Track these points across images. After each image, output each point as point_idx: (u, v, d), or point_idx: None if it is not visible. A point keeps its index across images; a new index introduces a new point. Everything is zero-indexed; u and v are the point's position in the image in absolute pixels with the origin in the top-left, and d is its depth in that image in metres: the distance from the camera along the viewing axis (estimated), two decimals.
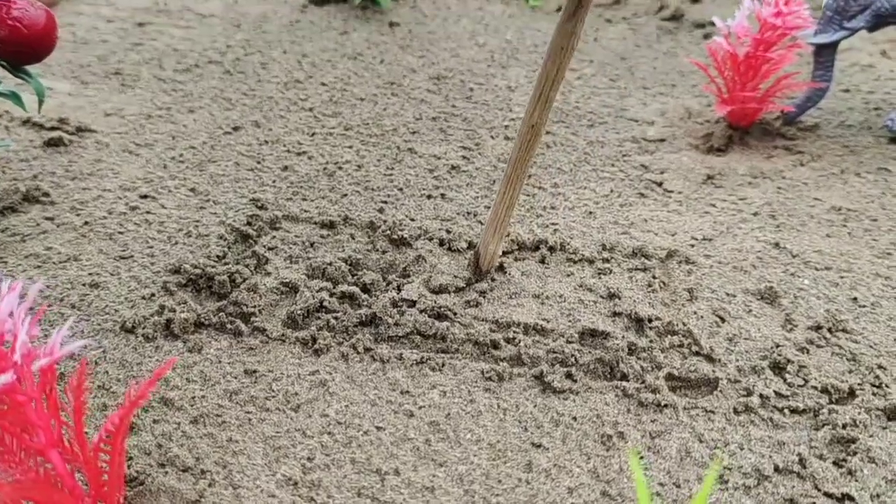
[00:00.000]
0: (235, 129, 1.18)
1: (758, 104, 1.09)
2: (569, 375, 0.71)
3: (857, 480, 0.60)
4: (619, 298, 0.81)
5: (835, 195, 1.00)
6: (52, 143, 1.10)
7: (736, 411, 0.67)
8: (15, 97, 0.86)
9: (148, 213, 0.96)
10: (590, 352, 0.74)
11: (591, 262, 0.88)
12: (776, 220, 0.95)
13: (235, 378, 0.71)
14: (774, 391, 0.69)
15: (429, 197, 1.01)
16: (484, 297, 0.81)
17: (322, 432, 0.65)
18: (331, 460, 0.63)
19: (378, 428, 0.66)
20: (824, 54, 1.10)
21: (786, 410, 0.67)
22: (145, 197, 1.00)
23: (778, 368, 0.72)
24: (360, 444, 0.64)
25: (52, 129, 1.14)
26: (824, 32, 1.09)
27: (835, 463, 0.62)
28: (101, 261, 0.87)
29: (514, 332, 0.77)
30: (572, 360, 0.72)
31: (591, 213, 0.98)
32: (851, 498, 0.59)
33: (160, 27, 1.57)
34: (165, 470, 0.61)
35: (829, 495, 0.60)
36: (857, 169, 1.06)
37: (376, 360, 0.73)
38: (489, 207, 0.98)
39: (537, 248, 0.90)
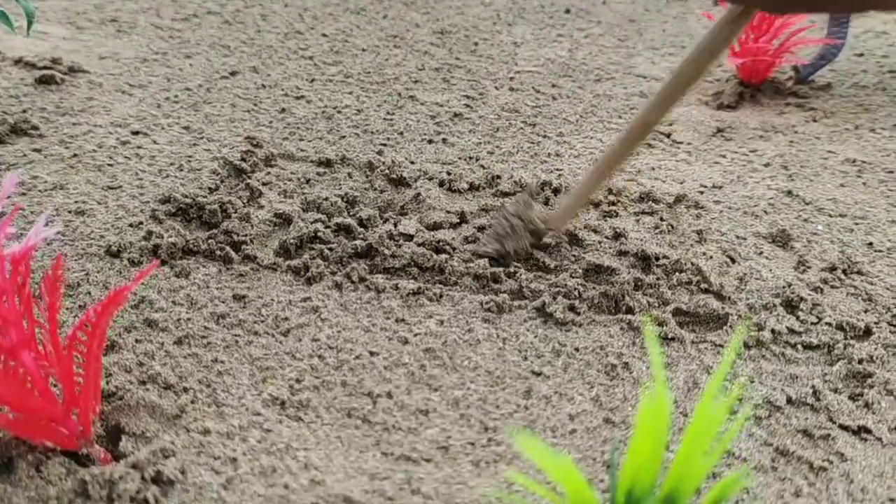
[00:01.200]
0: (233, 73, 1.14)
1: (770, 58, 1.06)
2: (572, 308, 0.68)
3: (873, 413, 0.57)
4: (626, 238, 0.78)
5: (849, 148, 0.97)
6: (44, 81, 1.07)
7: (747, 346, 0.64)
8: (3, 16, 0.83)
9: (139, 147, 0.93)
10: (594, 287, 0.71)
11: (596, 205, 0.84)
12: (788, 171, 0.92)
13: (223, 302, 0.68)
14: (787, 327, 0.66)
15: (430, 141, 0.97)
16: (482, 233, 0.78)
17: (312, 356, 0.62)
18: (320, 382, 0.60)
19: (371, 353, 0.63)
20: None
21: (798, 346, 0.64)
22: (137, 133, 0.96)
23: (791, 306, 0.69)
24: (352, 368, 0.61)
25: (45, 68, 1.10)
26: None
27: (850, 397, 0.59)
28: (88, 190, 0.83)
29: (516, 266, 0.73)
30: (575, 293, 0.69)
31: (596, 160, 0.95)
32: (868, 430, 0.56)
33: None
34: (146, 387, 0.58)
35: (844, 427, 0.56)
36: (872, 125, 1.03)
37: (371, 290, 0.70)
38: (492, 153, 0.95)
39: (541, 191, 0.86)
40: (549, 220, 0.74)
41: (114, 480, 0.49)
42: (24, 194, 0.82)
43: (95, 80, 1.09)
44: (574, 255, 0.75)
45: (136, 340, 0.63)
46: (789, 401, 0.59)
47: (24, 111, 0.99)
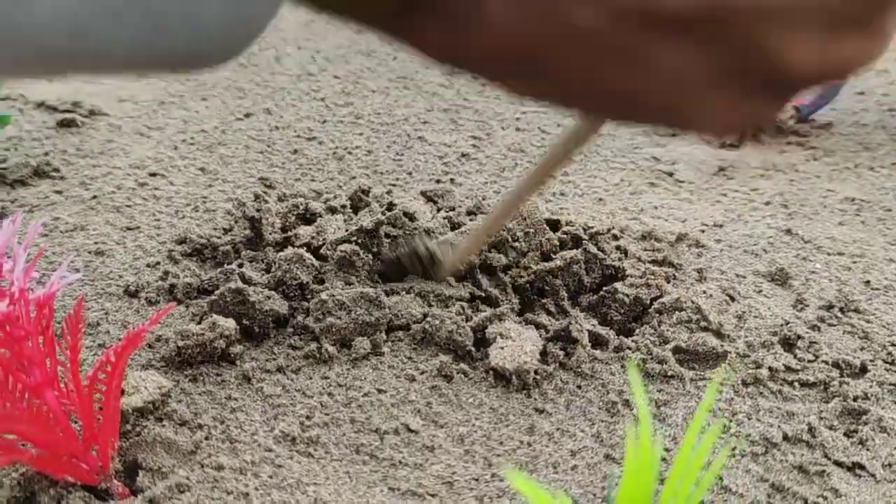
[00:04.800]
0: (247, 115, 1.18)
1: None
2: (574, 344, 0.70)
3: (868, 450, 0.59)
4: (624, 281, 0.80)
5: (848, 187, 0.99)
6: (65, 124, 1.11)
7: (745, 383, 0.66)
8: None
9: (156, 189, 0.96)
10: (594, 325, 0.73)
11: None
12: (788, 209, 0.94)
13: (237, 342, 0.70)
14: (784, 365, 0.67)
15: (438, 181, 1.00)
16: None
17: (322, 393, 0.64)
18: (330, 419, 0.62)
19: (379, 391, 0.65)
20: None
21: (795, 384, 0.66)
22: (154, 175, 1.00)
23: (788, 344, 0.70)
24: (360, 405, 0.63)
25: (66, 111, 1.14)
26: None
27: (845, 433, 0.61)
28: (107, 231, 0.86)
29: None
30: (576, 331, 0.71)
31: (600, 199, 0.97)
32: (862, 466, 0.57)
33: None
34: (163, 423, 0.61)
35: (839, 464, 0.58)
36: (871, 164, 1.05)
37: None
38: (498, 192, 0.98)
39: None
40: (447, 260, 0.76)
41: None
42: (45, 235, 0.85)
43: (115, 122, 1.13)
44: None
45: (153, 379, 0.65)
46: (785, 438, 0.60)
47: (46, 154, 1.02)
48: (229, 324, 0.68)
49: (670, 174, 1.03)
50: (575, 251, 0.79)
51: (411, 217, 0.83)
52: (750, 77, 0.47)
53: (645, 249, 0.85)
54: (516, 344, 0.68)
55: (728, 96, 0.49)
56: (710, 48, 0.44)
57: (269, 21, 0.35)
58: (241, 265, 0.78)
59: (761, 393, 0.65)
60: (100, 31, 0.31)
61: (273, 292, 0.72)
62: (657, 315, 0.74)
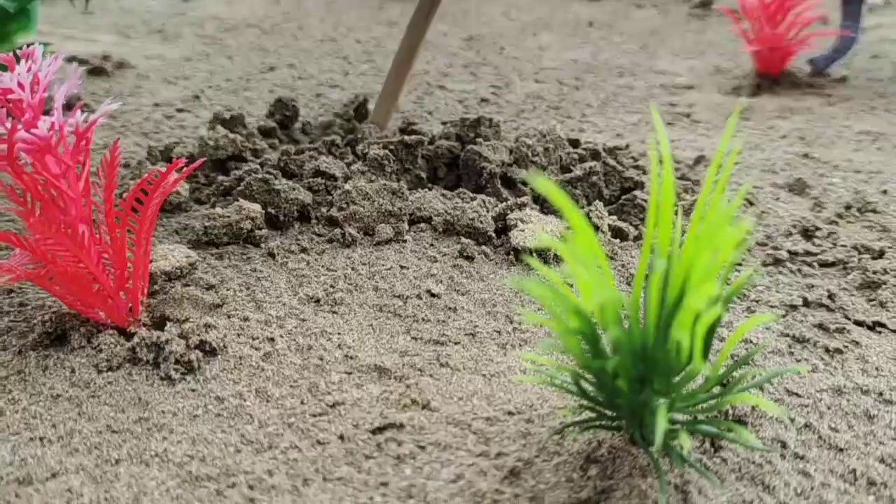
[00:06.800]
0: (271, 69, 1.21)
1: (786, 48, 1.10)
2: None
3: (887, 311, 0.59)
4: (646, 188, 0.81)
5: (865, 123, 1.00)
6: (95, 72, 1.14)
7: (764, 264, 0.66)
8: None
9: (183, 120, 0.99)
10: (614, 219, 0.74)
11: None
12: (805, 140, 0.95)
13: (260, 228, 0.71)
14: (804, 249, 0.68)
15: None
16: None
17: (346, 268, 0.66)
18: (353, 286, 0.63)
19: (402, 267, 0.66)
20: (852, 3, 1.12)
21: (815, 263, 0.66)
22: (181, 111, 1.02)
23: (807, 235, 0.71)
24: (384, 276, 0.64)
25: (96, 64, 1.18)
26: None
27: (866, 298, 0.61)
28: (135, 150, 0.89)
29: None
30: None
31: (619, 135, 0.99)
32: (883, 325, 0.58)
33: (203, 3, 1.64)
34: (189, 287, 0.62)
35: (859, 323, 0.58)
36: (887, 107, 1.06)
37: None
38: (517, 129, 1.00)
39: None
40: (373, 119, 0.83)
41: (160, 344, 0.53)
42: None
43: (143, 73, 1.16)
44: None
45: (181, 250, 0.67)
46: (805, 302, 0.60)
47: (76, 95, 1.05)
48: (255, 207, 0.70)
49: (687, 115, 1.05)
50: (594, 163, 0.81)
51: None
52: None
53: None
54: (536, 226, 0.69)
55: None
56: None
57: None
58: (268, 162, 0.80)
59: (781, 272, 0.65)
60: None
61: (298, 184, 0.73)
62: (677, 217, 0.75)
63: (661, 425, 0.35)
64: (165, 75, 1.16)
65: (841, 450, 0.46)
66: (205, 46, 1.31)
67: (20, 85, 0.52)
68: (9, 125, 0.50)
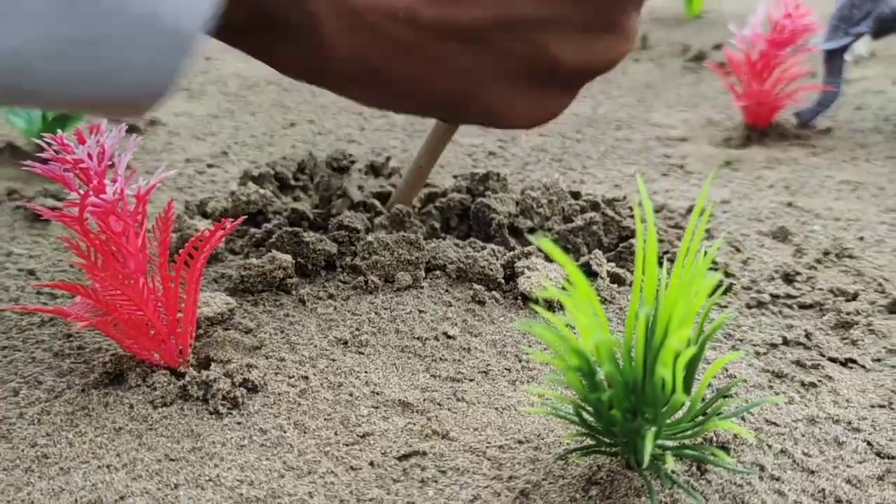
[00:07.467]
0: (292, 125, 1.29)
1: (773, 102, 1.18)
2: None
3: (858, 348, 0.66)
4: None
5: (846, 173, 1.07)
6: (129, 130, 1.23)
7: (748, 306, 0.73)
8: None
9: (214, 175, 1.07)
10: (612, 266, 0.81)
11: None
12: (790, 189, 1.03)
13: (291, 277, 0.79)
14: (784, 293, 0.75)
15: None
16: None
17: (369, 312, 0.72)
18: (377, 329, 0.70)
19: (420, 311, 0.73)
20: (833, 60, 1.20)
21: (794, 305, 0.73)
22: (211, 166, 1.10)
23: (788, 279, 0.78)
24: (404, 320, 0.71)
25: (129, 122, 1.27)
26: (832, 40, 1.19)
27: (840, 337, 0.68)
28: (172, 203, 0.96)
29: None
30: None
31: (617, 185, 1.06)
32: (854, 361, 0.64)
33: (225, 61, 1.73)
34: (229, 330, 0.69)
35: (833, 360, 0.65)
36: (867, 157, 1.13)
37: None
38: (523, 181, 1.07)
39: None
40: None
41: (209, 382, 0.60)
42: None
43: (173, 130, 1.25)
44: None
45: (221, 297, 0.74)
46: (785, 341, 0.67)
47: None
48: (286, 257, 0.77)
49: (681, 166, 1.12)
50: (594, 213, 0.88)
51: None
52: (538, 74, 0.59)
53: (658, 218, 0.94)
54: (542, 273, 0.76)
55: (523, 92, 0.61)
56: (501, 52, 0.56)
57: (183, 72, 0.45)
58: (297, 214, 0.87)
59: (763, 313, 0.72)
60: (43, 69, 0.39)
61: (325, 236, 0.81)
62: (669, 264, 0.82)
63: (648, 447, 0.42)
64: (194, 132, 1.25)
65: (812, 472, 0.52)
66: (229, 104, 1.40)
67: (89, 155, 0.60)
68: (81, 191, 0.58)
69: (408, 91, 0.56)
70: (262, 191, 0.90)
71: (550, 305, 0.73)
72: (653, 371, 0.44)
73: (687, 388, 0.46)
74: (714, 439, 0.54)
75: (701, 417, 0.49)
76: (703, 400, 0.53)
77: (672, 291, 0.44)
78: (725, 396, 0.59)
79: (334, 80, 0.55)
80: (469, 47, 0.54)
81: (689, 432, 0.48)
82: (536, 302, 0.73)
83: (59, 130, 0.59)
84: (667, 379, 0.42)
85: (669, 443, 0.51)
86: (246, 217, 0.83)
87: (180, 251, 0.62)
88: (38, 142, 0.59)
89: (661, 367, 0.41)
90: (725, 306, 0.73)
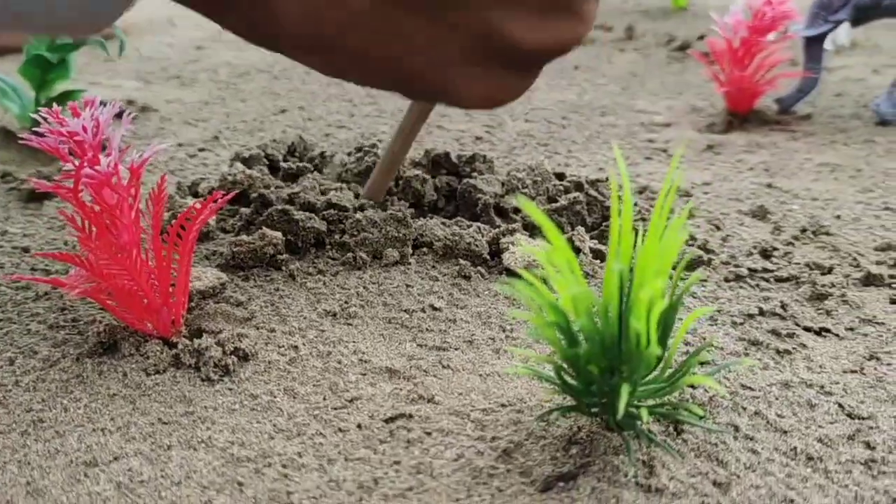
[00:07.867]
0: (282, 111, 1.31)
1: (754, 88, 1.21)
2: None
3: (832, 318, 0.68)
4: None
5: (825, 156, 1.10)
6: (120, 116, 1.24)
7: (726, 279, 0.75)
8: (100, 44, 1.00)
9: (205, 159, 1.08)
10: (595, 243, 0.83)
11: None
12: (769, 171, 1.05)
13: (281, 252, 0.80)
14: (762, 267, 0.77)
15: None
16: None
17: (357, 287, 0.74)
18: (365, 302, 0.71)
19: (407, 286, 0.74)
20: (813, 47, 1.22)
21: (771, 279, 0.75)
22: (203, 150, 1.12)
23: (766, 254, 0.80)
24: (391, 294, 0.73)
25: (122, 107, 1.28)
26: (812, 27, 1.21)
27: (815, 308, 0.70)
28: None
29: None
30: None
31: (601, 168, 1.08)
32: (828, 330, 0.66)
33: (216, 50, 1.74)
34: (221, 304, 0.70)
35: (807, 329, 0.67)
36: (846, 141, 1.16)
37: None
38: (509, 164, 1.09)
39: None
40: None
41: (201, 351, 0.61)
42: None
43: (165, 116, 1.26)
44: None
45: (212, 272, 0.75)
46: (761, 312, 0.69)
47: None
48: (277, 234, 0.78)
49: (664, 150, 1.15)
50: (578, 193, 0.90)
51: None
52: (491, 54, 0.60)
53: (641, 199, 0.96)
54: (525, 248, 0.77)
55: (479, 72, 0.61)
56: (456, 28, 0.57)
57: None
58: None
59: (741, 286, 0.74)
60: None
61: (314, 215, 0.82)
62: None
63: (624, 399, 0.44)
64: (186, 118, 1.26)
65: (785, 432, 0.54)
66: (220, 91, 1.42)
67: (84, 128, 0.61)
68: (75, 163, 0.60)
69: (362, 63, 0.57)
70: (249, 171, 0.91)
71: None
72: (628, 327, 0.46)
73: (661, 345, 0.48)
74: (690, 401, 0.56)
75: (676, 375, 0.51)
76: (677, 363, 0.55)
77: (646, 246, 0.46)
78: (702, 363, 0.61)
79: (289, 48, 0.56)
80: (421, 19, 0.55)
81: (664, 388, 0.50)
82: (520, 278, 0.75)
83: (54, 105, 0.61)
84: (641, 331, 0.44)
85: (648, 402, 0.53)
86: (238, 193, 0.85)
87: (172, 223, 0.64)
88: (34, 116, 0.61)
89: (635, 321, 0.43)
90: (704, 280, 0.75)
